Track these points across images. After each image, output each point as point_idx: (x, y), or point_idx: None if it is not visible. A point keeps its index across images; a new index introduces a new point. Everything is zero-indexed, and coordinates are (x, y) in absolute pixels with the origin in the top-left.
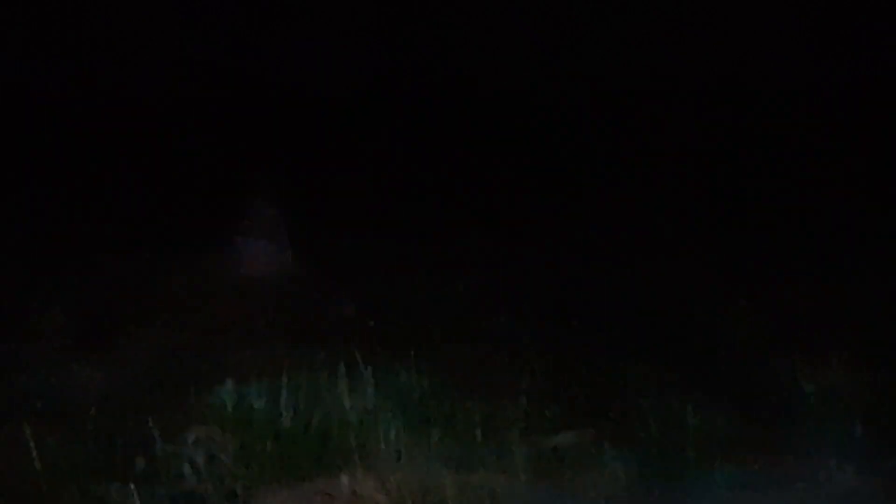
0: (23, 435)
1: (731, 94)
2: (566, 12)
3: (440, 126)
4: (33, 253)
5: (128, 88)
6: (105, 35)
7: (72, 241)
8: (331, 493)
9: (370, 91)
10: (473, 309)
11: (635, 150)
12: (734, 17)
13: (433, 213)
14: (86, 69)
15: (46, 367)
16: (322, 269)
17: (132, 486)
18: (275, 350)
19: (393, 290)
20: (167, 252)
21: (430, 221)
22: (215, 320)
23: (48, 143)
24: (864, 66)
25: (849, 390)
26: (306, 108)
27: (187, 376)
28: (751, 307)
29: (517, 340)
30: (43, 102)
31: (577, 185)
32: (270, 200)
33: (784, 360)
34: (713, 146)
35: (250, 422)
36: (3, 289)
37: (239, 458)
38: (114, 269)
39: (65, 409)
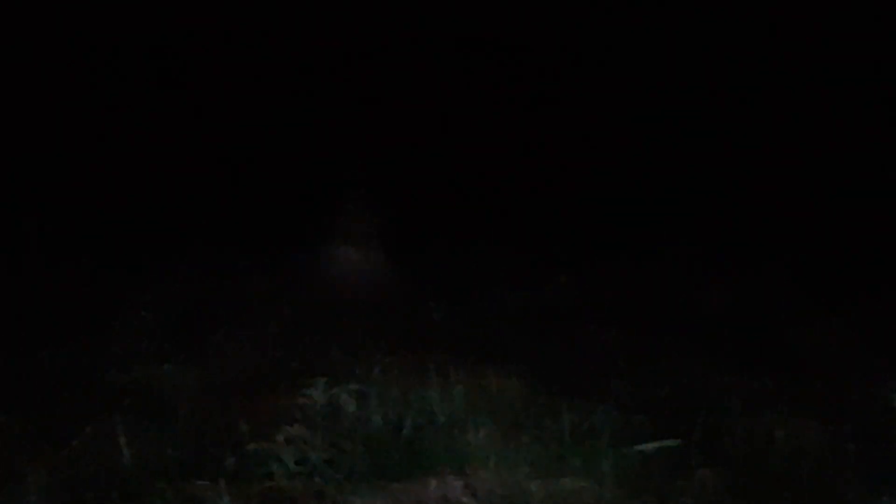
0: (113, 431)
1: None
2: None
3: (532, 130)
4: (126, 251)
5: (224, 81)
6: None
7: (164, 240)
8: (420, 496)
9: (465, 93)
10: (564, 315)
11: (730, 159)
12: None
13: (527, 218)
14: (188, 65)
15: (137, 366)
16: (414, 273)
17: (221, 485)
18: (365, 353)
19: (484, 295)
20: (259, 252)
21: (524, 226)
22: (306, 322)
23: (137, 139)
24: None
25: None
26: (402, 109)
27: (278, 376)
28: (843, 319)
29: (607, 348)
30: (136, 96)
31: (669, 193)
32: (364, 203)
33: (875, 374)
34: (809, 158)
35: (340, 423)
36: (96, 287)
37: (328, 459)
38: (206, 269)
39: (155, 407)
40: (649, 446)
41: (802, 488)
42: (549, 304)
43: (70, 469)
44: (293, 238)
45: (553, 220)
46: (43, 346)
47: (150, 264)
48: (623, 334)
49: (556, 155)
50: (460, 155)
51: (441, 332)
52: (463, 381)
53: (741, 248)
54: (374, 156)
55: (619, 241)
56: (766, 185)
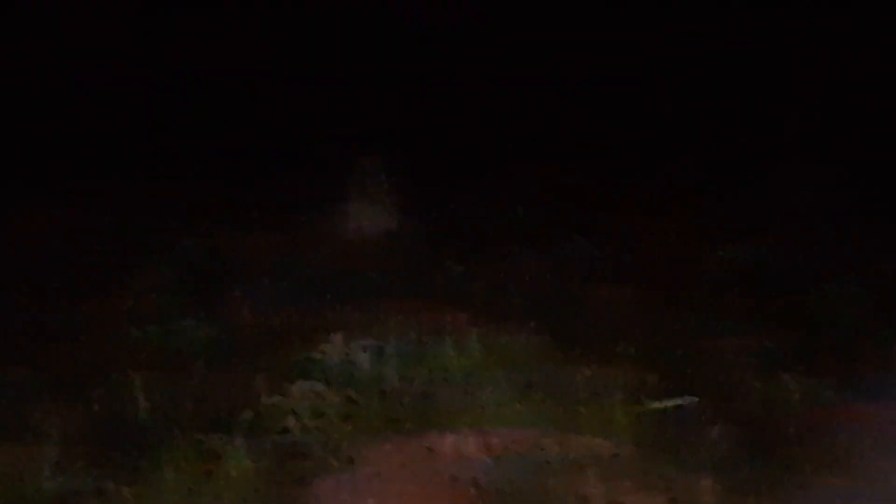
0: (130, 386)
1: None
2: None
3: (545, 85)
4: (140, 209)
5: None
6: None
7: (178, 197)
8: (435, 451)
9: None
10: (578, 274)
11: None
12: None
13: (544, 177)
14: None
15: (154, 321)
16: (429, 231)
17: (237, 438)
18: (380, 309)
19: (499, 254)
20: (276, 209)
21: (541, 187)
22: (322, 278)
23: (157, 104)
24: None
25: None
26: (416, 66)
27: (292, 332)
28: (861, 279)
29: (621, 307)
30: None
31: (683, 149)
32: (380, 159)
33: (893, 336)
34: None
35: (355, 378)
36: (112, 245)
37: (343, 413)
38: (220, 226)
39: (171, 362)
40: (664, 403)
41: (816, 447)
42: (564, 263)
43: (87, 422)
44: (310, 194)
45: (566, 177)
46: (61, 301)
47: (167, 220)
48: (637, 293)
49: (571, 111)
50: (476, 112)
51: (456, 290)
52: (478, 338)
53: (757, 205)
54: (390, 111)
55: (633, 199)
56: (785, 141)
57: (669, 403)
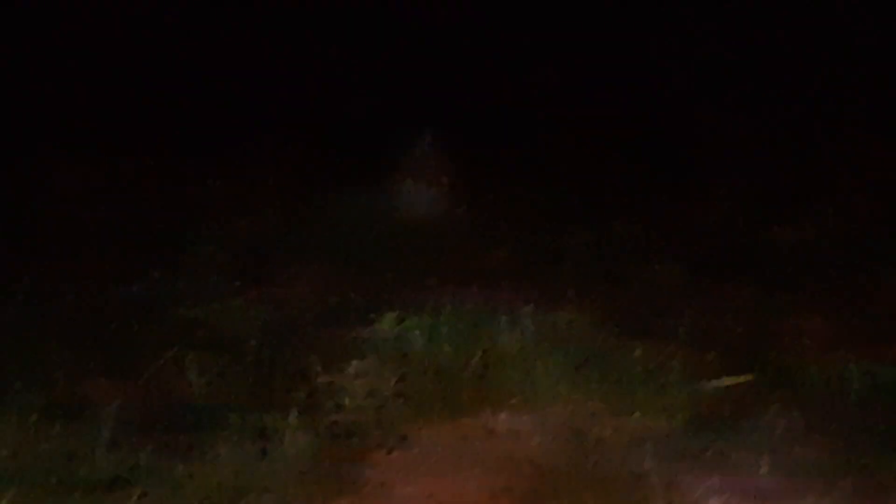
0: (184, 365)
1: None
2: None
3: (594, 69)
4: (194, 188)
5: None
6: None
7: (232, 176)
8: (489, 430)
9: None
10: (632, 253)
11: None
12: None
13: (593, 157)
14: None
15: (207, 300)
16: (482, 211)
17: (292, 417)
18: (434, 289)
19: (553, 233)
20: (328, 188)
21: (590, 165)
22: (374, 257)
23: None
24: None
25: None
26: (467, 45)
27: (347, 311)
28: None
29: (677, 287)
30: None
31: (736, 126)
32: (434, 139)
33: None
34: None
35: (409, 357)
36: (167, 223)
37: (398, 392)
38: (273, 204)
39: (225, 341)
40: (721, 382)
41: (876, 427)
42: (618, 242)
43: (141, 401)
44: (362, 174)
45: (617, 156)
46: (113, 281)
47: (220, 199)
48: (693, 272)
49: (620, 91)
50: (528, 93)
51: (510, 269)
52: (532, 317)
53: (816, 183)
54: (443, 91)
55: (686, 177)
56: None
57: (726, 382)
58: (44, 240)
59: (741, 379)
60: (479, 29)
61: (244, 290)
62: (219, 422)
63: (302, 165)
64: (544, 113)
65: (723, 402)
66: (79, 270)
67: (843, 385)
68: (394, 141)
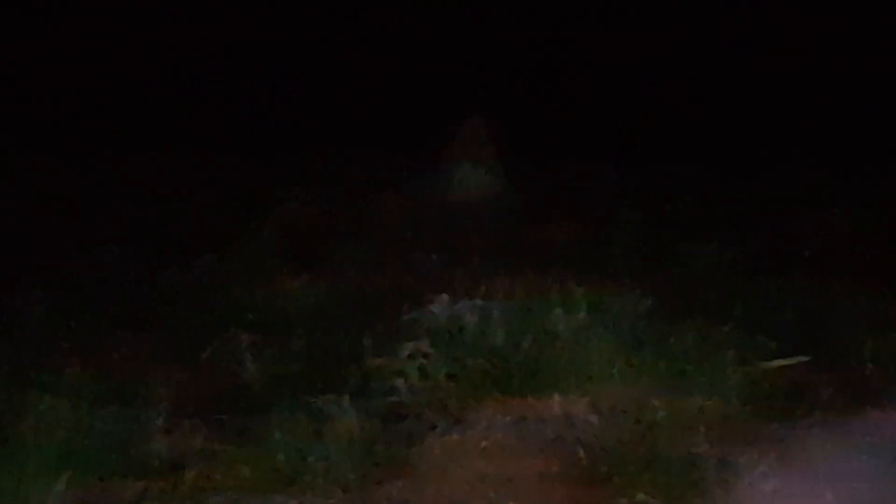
0: (238, 347)
1: None
2: None
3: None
4: (248, 173)
5: None
6: None
7: (285, 161)
8: (542, 412)
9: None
10: (685, 234)
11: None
12: None
13: (648, 138)
14: None
15: (261, 284)
16: (535, 192)
17: (346, 399)
18: (487, 270)
19: (605, 215)
20: (380, 170)
21: (645, 146)
22: (427, 240)
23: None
24: None
25: None
26: (520, 30)
27: (399, 292)
28: None
29: (730, 268)
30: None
31: (792, 105)
32: (486, 121)
33: None
34: None
35: (462, 339)
36: (219, 209)
37: (451, 374)
38: (328, 187)
39: (278, 324)
40: (775, 364)
41: None
42: (671, 223)
43: (196, 384)
44: (415, 157)
45: (672, 137)
46: (168, 265)
47: (273, 183)
48: (747, 253)
49: (674, 74)
50: (580, 76)
51: (562, 251)
52: (585, 298)
53: (868, 165)
54: (496, 73)
55: (742, 158)
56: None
57: (780, 363)
58: (98, 225)
59: (795, 360)
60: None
61: (297, 274)
62: (273, 404)
63: (354, 150)
64: (596, 93)
65: (778, 383)
66: (134, 255)
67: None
68: (447, 124)
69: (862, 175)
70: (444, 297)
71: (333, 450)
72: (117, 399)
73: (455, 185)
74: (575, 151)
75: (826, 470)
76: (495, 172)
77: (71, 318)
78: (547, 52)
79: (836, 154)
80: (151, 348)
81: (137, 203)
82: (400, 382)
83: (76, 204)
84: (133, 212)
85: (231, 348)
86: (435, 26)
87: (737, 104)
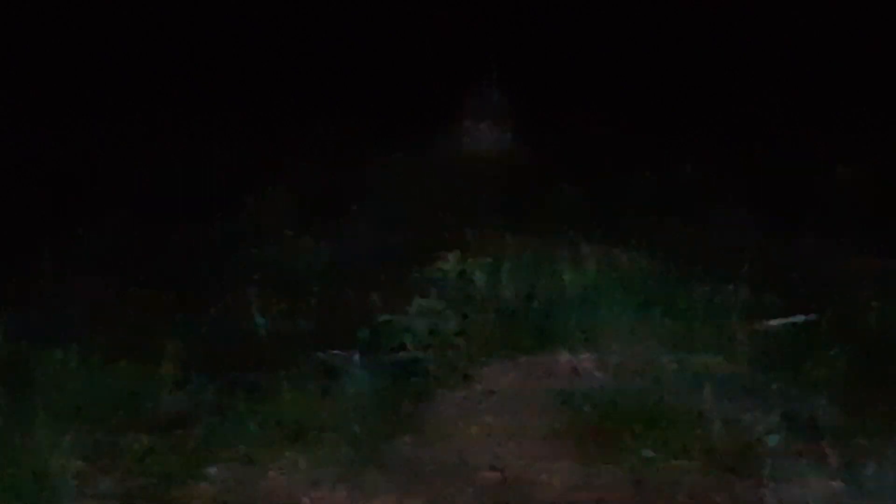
0: (248, 303)
1: None
2: None
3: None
4: (257, 131)
5: None
6: None
7: (297, 120)
8: (550, 369)
9: None
10: (695, 195)
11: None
12: None
13: (658, 99)
14: None
15: (271, 241)
16: (545, 152)
17: (355, 354)
18: (497, 228)
19: (616, 175)
20: (391, 130)
21: (654, 107)
22: (438, 198)
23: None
24: None
25: None
26: None
27: (410, 250)
28: None
29: (738, 228)
30: None
31: (800, 73)
32: (496, 81)
33: None
34: None
35: (471, 297)
36: (231, 168)
37: (460, 331)
38: (339, 146)
39: (289, 281)
40: (781, 322)
41: None
42: (681, 185)
43: (206, 339)
44: (425, 116)
45: (683, 100)
46: (180, 222)
47: (284, 142)
48: (755, 212)
49: (685, 38)
50: (592, 35)
51: (573, 210)
52: (594, 257)
53: (877, 125)
54: (507, 34)
55: (750, 121)
56: None
57: (787, 322)
58: (111, 185)
59: (801, 318)
60: None
61: (307, 230)
62: (283, 361)
63: (366, 108)
64: (611, 52)
65: (783, 341)
66: (147, 212)
67: None
68: (457, 83)
69: (870, 134)
70: (454, 254)
71: (342, 406)
72: (127, 354)
73: (465, 145)
74: (586, 112)
75: (830, 427)
76: (505, 132)
77: (80, 274)
78: (560, 9)
79: (844, 113)
80: (162, 304)
81: (150, 164)
82: (409, 340)
83: (88, 165)
84: (146, 172)
85: (241, 305)
86: None
87: (746, 65)
